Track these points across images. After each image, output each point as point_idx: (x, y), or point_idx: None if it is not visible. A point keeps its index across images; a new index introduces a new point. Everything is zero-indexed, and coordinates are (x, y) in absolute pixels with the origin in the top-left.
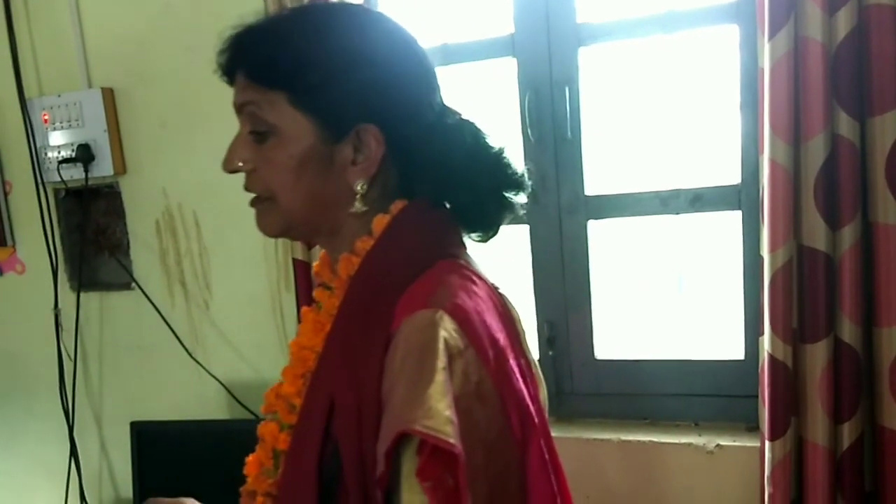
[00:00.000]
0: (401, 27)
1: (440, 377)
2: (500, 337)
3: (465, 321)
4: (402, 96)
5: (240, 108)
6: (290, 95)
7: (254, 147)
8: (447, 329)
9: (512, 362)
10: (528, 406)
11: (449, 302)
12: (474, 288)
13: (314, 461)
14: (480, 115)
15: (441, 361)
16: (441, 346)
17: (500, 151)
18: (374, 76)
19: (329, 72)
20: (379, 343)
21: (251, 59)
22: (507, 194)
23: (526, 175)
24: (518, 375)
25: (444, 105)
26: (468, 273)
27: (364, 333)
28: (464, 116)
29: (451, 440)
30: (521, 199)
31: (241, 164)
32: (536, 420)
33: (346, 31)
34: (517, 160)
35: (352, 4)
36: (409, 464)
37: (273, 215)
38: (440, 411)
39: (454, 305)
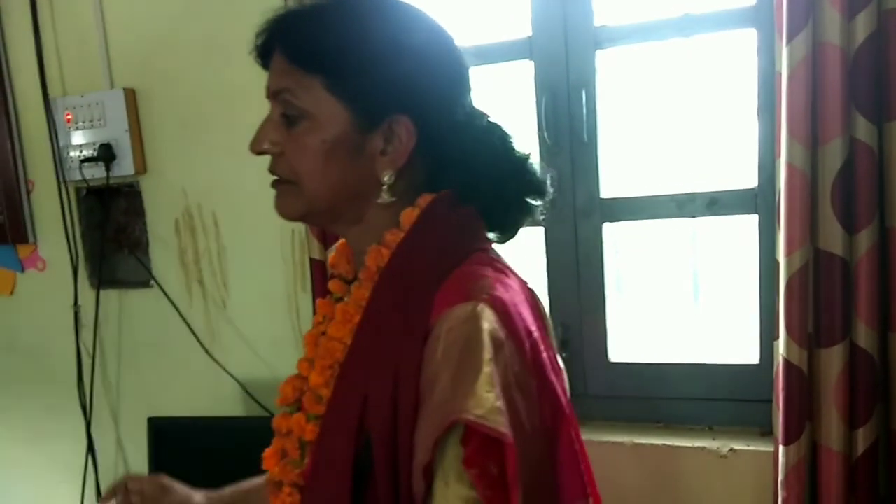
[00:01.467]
0: (439, 24)
1: (487, 368)
2: (534, 329)
3: (504, 313)
4: (437, 92)
5: (274, 94)
6: (326, 80)
7: (283, 130)
8: (489, 320)
9: (544, 354)
10: (559, 397)
11: (488, 294)
12: (508, 280)
13: (349, 453)
14: (498, 118)
15: (488, 353)
16: (486, 337)
17: (527, 157)
18: (411, 69)
19: (368, 60)
20: (417, 335)
21: (292, 40)
22: (528, 199)
23: (549, 182)
24: (550, 367)
25: (474, 106)
26: (500, 266)
27: (401, 325)
28: (492, 119)
29: (503, 429)
30: (540, 204)
31: (269, 145)
32: (567, 411)
33: (389, 23)
34: (541, 166)
35: None
36: (453, 452)
37: (294, 198)
38: (491, 401)
39: (493, 297)
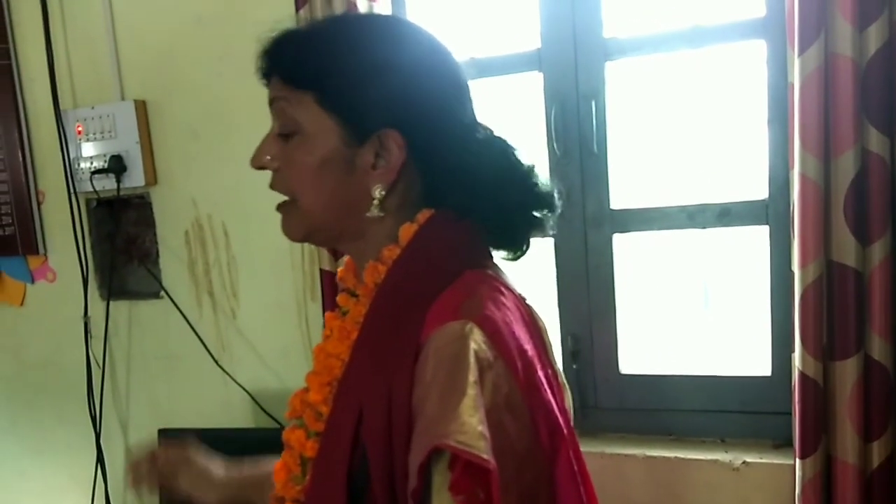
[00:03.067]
0: (436, 40)
1: (472, 391)
2: (528, 348)
3: (494, 333)
4: (429, 106)
5: (271, 102)
6: (317, 96)
7: (280, 146)
8: (477, 341)
9: (540, 373)
10: (556, 417)
11: (478, 313)
12: (502, 298)
13: (343, 469)
14: (507, 129)
15: (472, 375)
16: (472, 358)
17: (530, 169)
18: (401, 83)
19: (357, 75)
20: (409, 353)
21: (284, 59)
22: (535, 213)
23: (556, 194)
24: (546, 386)
25: (476, 120)
26: (496, 283)
27: (393, 342)
28: (495, 133)
29: (485, 455)
30: (549, 218)
31: (267, 159)
32: (565, 431)
33: (379, 39)
34: (547, 179)
35: (389, 15)
36: (441, 478)
37: (296, 217)
38: (473, 426)
39: (483, 317)
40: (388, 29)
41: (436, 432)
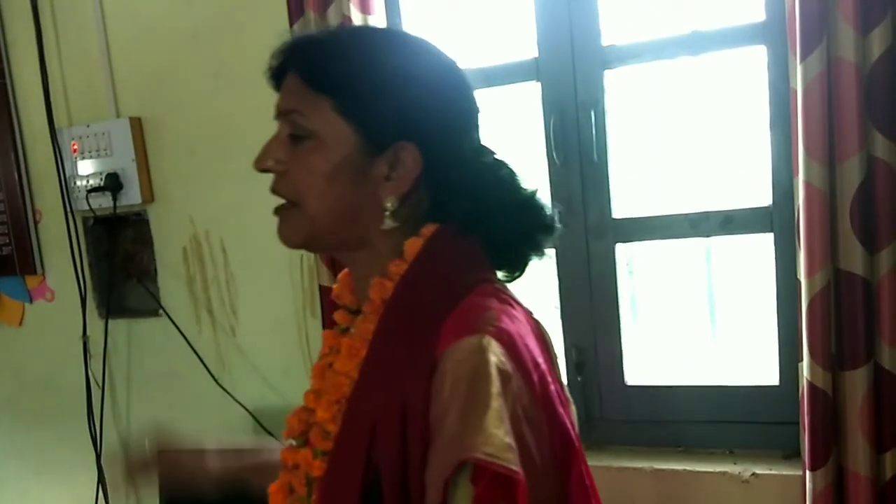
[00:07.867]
0: (453, 62)
1: (496, 403)
2: (541, 361)
3: (511, 346)
4: (445, 123)
5: (284, 113)
6: (336, 102)
7: (289, 149)
8: (496, 354)
9: (552, 386)
10: (568, 430)
11: (494, 327)
12: (514, 312)
13: (357, 489)
14: (506, 140)
15: (495, 387)
16: (494, 371)
17: (533, 194)
18: (421, 98)
19: (379, 85)
20: (424, 368)
21: (306, 60)
22: (537, 235)
23: (556, 217)
24: (558, 399)
25: (483, 144)
26: (506, 297)
27: (407, 359)
28: (500, 156)
29: (514, 467)
30: (548, 241)
31: (273, 163)
32: (576, 444)
33: (402, 53)
34: (547, 203)
35: (410, 33)
36: (464, 491)
37: (297, 222)
38: (500, 437)
39: (499, 330)
40: (408, 45)
41: (462, 445)
